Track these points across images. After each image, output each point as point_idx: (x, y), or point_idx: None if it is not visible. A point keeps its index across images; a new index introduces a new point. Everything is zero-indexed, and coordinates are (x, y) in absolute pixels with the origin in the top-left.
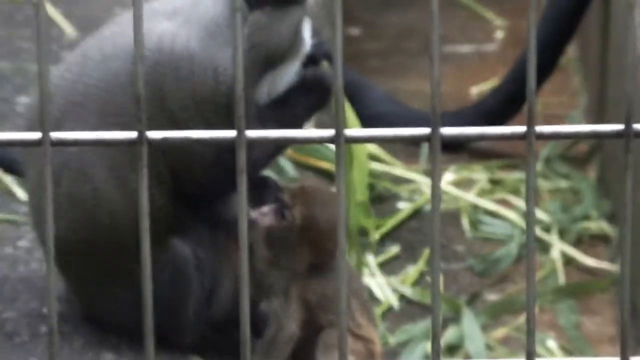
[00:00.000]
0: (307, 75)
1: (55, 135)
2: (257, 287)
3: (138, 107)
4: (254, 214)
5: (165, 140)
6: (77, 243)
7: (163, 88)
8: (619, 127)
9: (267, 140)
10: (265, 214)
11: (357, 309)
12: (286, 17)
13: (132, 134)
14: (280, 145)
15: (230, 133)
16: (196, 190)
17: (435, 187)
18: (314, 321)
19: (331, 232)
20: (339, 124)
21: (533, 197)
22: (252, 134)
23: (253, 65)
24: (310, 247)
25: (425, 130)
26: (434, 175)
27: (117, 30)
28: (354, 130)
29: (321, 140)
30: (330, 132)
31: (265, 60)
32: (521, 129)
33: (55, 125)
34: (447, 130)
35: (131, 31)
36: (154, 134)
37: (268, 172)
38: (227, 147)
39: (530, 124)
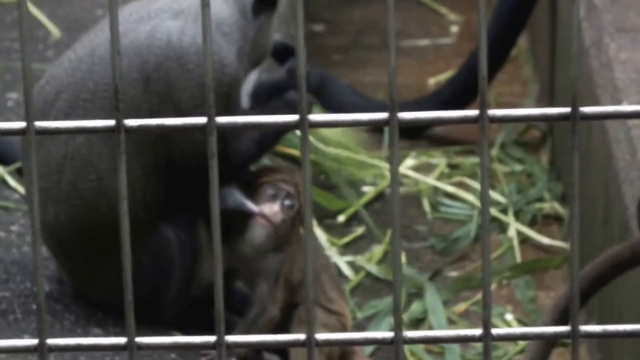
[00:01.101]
0: (290, 95)
1: (39, 124)
2: (243, 268)
3: (116, 97)
4: (253, 206)
5: (141, 127)
6: (74, 229)
7: (171, 81)
8: (566, 110)
9: (235, 126)
10: (275, 212)
11: (329, 284)
12: (272, 23)
13: (111, 122)
14: (267, 142)
15: (201, 120)
16: (191, 178)
17: (394, 168)
18: (293, 300)
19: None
20: (303, 109)
21: (487, 177)
22: (221, 120)
23: (249, 64)
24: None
25: (383, 115)
26: (393, 156)
27: (123, 29)
28: (317, 115)
29: (286, 125)
30: (294, 117)
31: (256, 61)
32: (474, 112)
33: (63, 118)
34: (404, 115)
35: (134, 31)
36: (131, 122)
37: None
38: (223, 137)
39: (483, 107)
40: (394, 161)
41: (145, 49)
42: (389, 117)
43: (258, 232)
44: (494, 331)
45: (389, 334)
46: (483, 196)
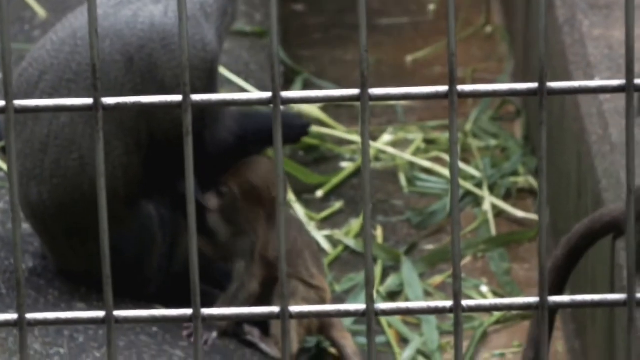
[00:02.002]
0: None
1: (18, 103)
2: (220, 251)
3: (94, 75)
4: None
5: (118, 105)
6: (56, 207)
7: (155, 61)
8: (534, 85)
9: (210, 104)
10: (210, 199)
11: (310, 260)
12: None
13: (89, 101)
14: (246, 138)
15: (177, 97)
16: (171, 156)
17: (364, 141)
18: (272, 275)
19: (269, 185)
20: (276, 87)
21: (457, 151)
22: (196, 97)
23: (224, 38)
24: (259, 204)
25: (355, 91)
26: (364, 131)
27: (102, 12)
28: (290, 92)
29: (259, 102)
30: (267, 95)
31: (227, 33)
32: (444, 88)
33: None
34: (375, 91)
35: (115, 15)
36: (108, 100)
37: None
38: (203, 121)
39: (452, 83)
40: (365, 135)
41: (127, 32)
42: (360, 93)
43: (210, 217)
44: (465, 302)
45: (361, 306)
46: (452, 168)
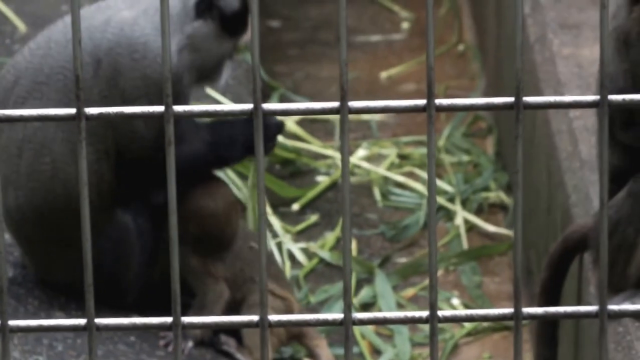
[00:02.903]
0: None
1: (1, 112)
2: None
3: (77, 86)
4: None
5: (101, 115)
6: (34, 211)
7: (119, 68)
8: (510, 99)
9: (192, 115)
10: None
11: (273, 275)
12: (219, 40)
13: (72, 110)
14: (219, 150)
15: (159, 108)
16: (139, 168)
17: (344, 154)
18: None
19: (214, 221)
20: (257, 98)
21: (434, 163)
22: (178, 109)
23: (190, 64)
24: (198, 231)
25: (335, 104)
26: (343, 144)
27: (82, 16)
28: (271, 104)
29: (241, 113)
30: (249, 106)
31: (197, 69)
32: (422, 101)
33: (21, 103)
34: (354, 104)
35: (91, 19)
36: (91, 110)
37: None
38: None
39: (430, 96)
40: (344, 148)
41: (98, 34)
42: (340, 106)
43: None
44: (440, 313)
45: (339, 315)
46: (430, 179)
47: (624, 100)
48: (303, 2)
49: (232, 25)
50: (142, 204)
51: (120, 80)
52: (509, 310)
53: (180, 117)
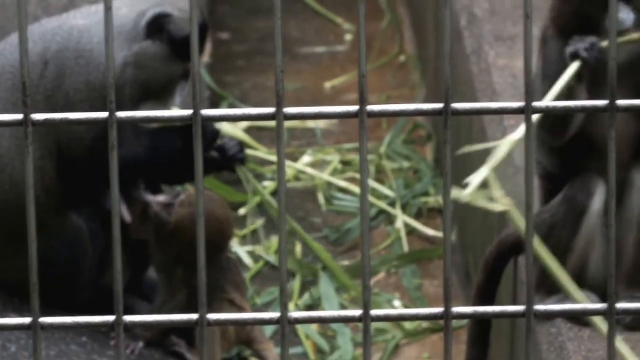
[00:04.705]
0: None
1: None
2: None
3: (24, 93)
4: (151, 197)
5: (47, 121)
6: None
7: (64, 71)
8: (439, 105)
9: (135, 120)
10: (158, 203)
11: (233, 286)
12: (168, 62)
13: (19, 116)
14: (158, 155)
15: (103, 114)
16: (80, 168)
17: (280, 158)
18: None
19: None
20: (196, 104)
21: (366, 168)
22: (121, 114)
23: (132, 79)
24: (178, 245)
25: (271, 110)
26: (279, 148)
27: (41, 22)
28: (210, 110)
29: (181, 119)
30: (188, 112)
31: (141, 85)
32: (354, 108)
33: None
34: (289, 110)
35: (47, 23)
36: (37, 116)
37: None
38: (104, 136)
39: (362, 103)
40: (280, 151)
41: (49, 36)
42: (276, 112)
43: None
44: (373, 312)
45: (276, 314)
46: (362, 184)
47: (547, 107)
48: (251, 16)
49: (182, 49)
50: (94, 207)
51: (64, 83)
52: (439, 309)
53: (123, 123)
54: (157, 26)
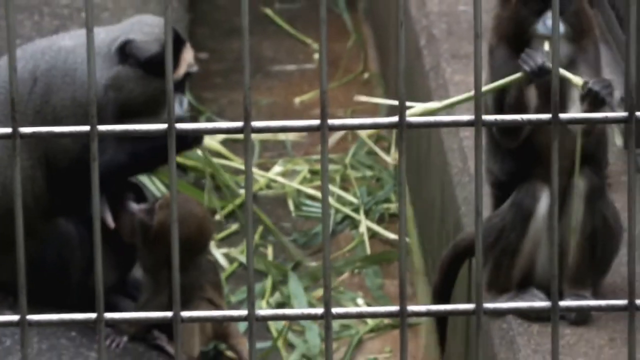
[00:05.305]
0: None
1: None
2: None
3: (12, 108)
4: (135, 206)
5: (34, 134)
6: None
7: (52, 88)
8: (394, 119)
9: (115, 134)
10: (140, 210)
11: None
12: (144, 81)
13: (8, 130)
14: (139, 158)
15: (85, 128)
16: (69, 177)
17: (247, 169)
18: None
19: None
20: (170, 118)
21: (327, 176)
22: (102, 128)
23: (114, 100)
24: (163, 246)
25: (239, 124)
26: (247, 160)
27: (34, 42)
28: (182, 124)
29: (156, 132)
30: (163, 126)
31: (123, 105)
32: (316, 122)
33: None
34: (257, 124)
35: (38, 44)
36: (25, 130)
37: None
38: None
39: (324, 117)
40: (248, 162)
41: (39, 55)
42: (244, 125)
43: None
44: (334, 310)
45: (244, 312)
46: (323, 190)
47: (496, 120)
48: (228, 37)
49: (153, 67)
50: (83, 214)
51: (52, 99)
52: (395, 307)
53: (104, 136)
54: (125, 52)
